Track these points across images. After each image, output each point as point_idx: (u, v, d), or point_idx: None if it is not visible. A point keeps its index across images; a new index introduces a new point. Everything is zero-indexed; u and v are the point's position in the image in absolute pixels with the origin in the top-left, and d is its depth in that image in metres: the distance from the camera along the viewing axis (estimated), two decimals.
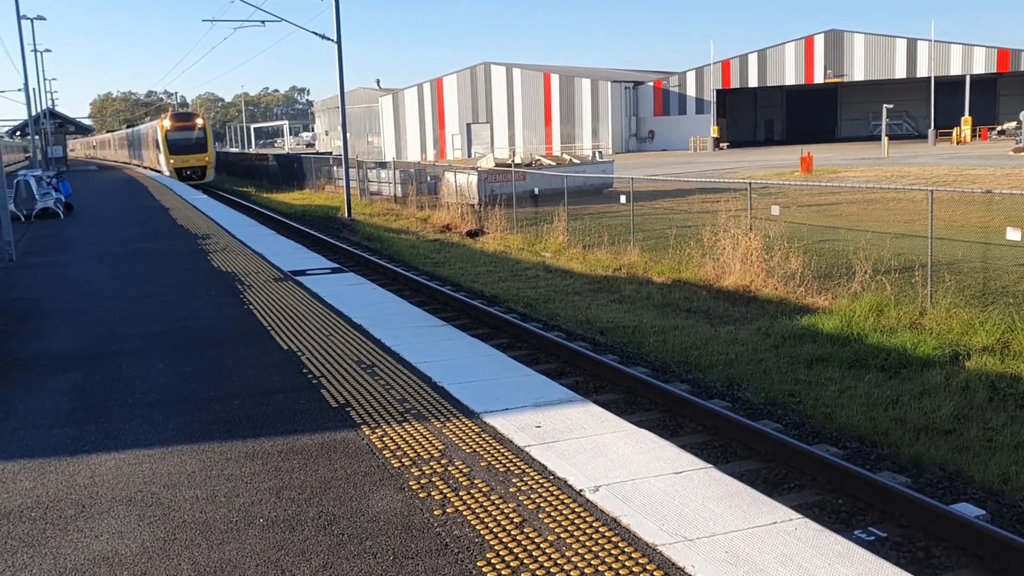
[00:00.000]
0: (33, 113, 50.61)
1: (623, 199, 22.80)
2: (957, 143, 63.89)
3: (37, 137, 52.17)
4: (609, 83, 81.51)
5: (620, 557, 3.78)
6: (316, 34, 32.82)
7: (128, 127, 78.90)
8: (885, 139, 55.04)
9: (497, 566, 3.73)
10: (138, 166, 61.04)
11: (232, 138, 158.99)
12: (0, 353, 8.04)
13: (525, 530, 4.07)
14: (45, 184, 24.50)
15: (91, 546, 4.09)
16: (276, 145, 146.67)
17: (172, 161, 46.04)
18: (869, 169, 40.91)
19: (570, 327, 13.02)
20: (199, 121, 48.04)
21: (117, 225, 20.24)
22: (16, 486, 4.85)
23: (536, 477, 4.67)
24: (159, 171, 49.24)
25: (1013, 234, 12.28)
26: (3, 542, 4.17)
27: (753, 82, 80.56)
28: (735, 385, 10.01)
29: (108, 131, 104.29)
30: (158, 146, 48.13)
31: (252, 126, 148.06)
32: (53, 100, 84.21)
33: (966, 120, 66.96)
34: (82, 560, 3.95)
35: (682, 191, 31.59)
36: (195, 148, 46.60)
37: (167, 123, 46.88)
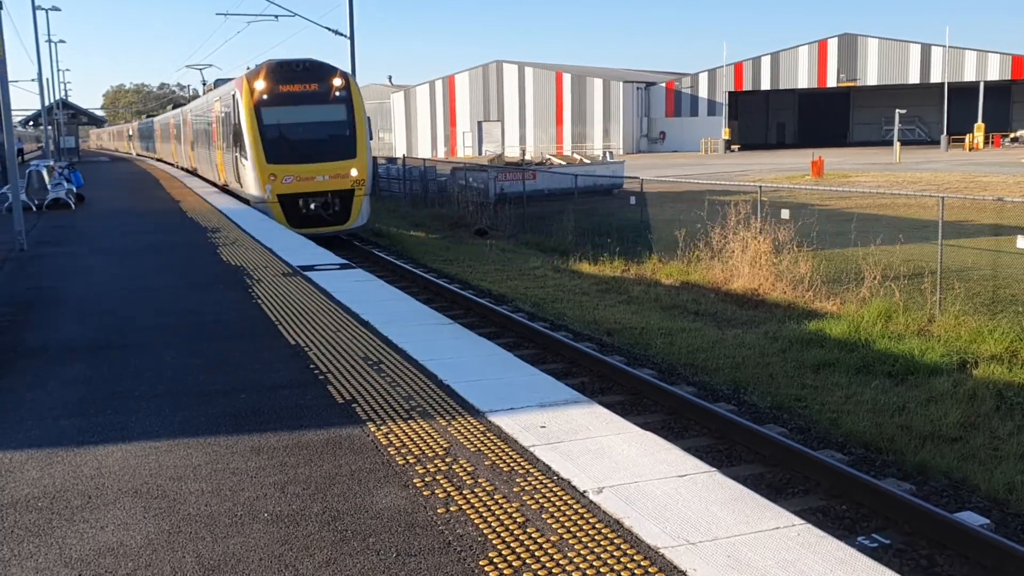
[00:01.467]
0: (47, 103, 50.79)
1: (633, 200, 22.79)
2: (970, 149, 63.64)
3: (50, 127, 52.29)
4: (621, 83, 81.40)
5: (622, 559, 3.78)
6: (329, 29, 32.88)
7: (173, 106, 53.49)
8: (897, 144, 54.89)
9: (499, 565, 3.74)
10: (192, 173, 34.97)
11: None
12: (9, 343, 8.09)
13: (528, 530, 4.07)
14: (57, 174, 24.60)
15: (97, 537, 4.12)
16: None
17: (272, 175, 20.42)
18: (880, 174, 40.79)
19: (577, 327, 13.02)
20: (336, 82, 21.05)
21: (127, 217, 20.30)
22: (23, 476, 4.88)
23: (540, 477, 4.67)
24: (241, 195, 22.56)
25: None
26: (10, 531, 4.20)
27: (766, 85, 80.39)
28: (741, 389, 10.00)
29: (149, 116, 74.53)
30: (237, 138, 21.61)
31: None
32: (67, 91, 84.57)
33: (979, 127, 66.70)
34: (87, 551, 3.98)
35: (692, 192, 31.53)
36: (327, 146, 20.83)
37: (260, 84, 20.66)
